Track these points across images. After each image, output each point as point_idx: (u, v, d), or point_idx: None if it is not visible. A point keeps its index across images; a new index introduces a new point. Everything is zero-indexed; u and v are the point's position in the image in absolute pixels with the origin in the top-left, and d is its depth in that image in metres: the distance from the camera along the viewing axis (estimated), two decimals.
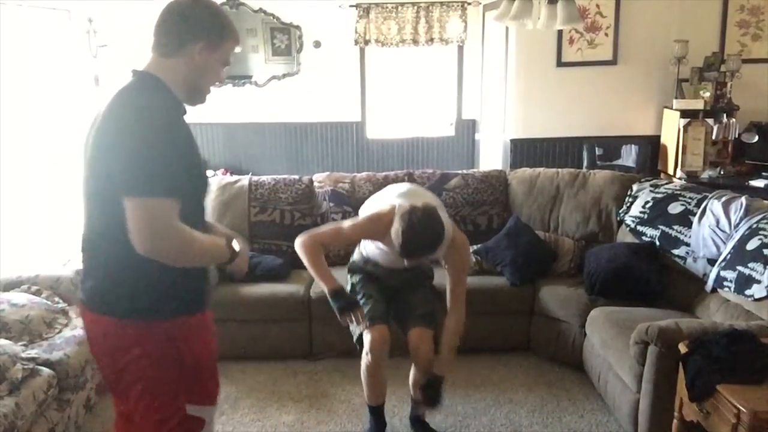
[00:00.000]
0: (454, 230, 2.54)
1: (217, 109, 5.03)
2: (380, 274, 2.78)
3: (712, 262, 3.05)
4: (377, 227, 2.52)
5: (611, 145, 4.83)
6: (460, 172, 4.14)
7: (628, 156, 4.81)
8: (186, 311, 1.73)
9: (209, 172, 4.68)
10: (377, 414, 2.81)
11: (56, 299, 3.08)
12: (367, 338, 2.60)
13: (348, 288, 2.78)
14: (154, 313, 1.65)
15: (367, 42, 5.34)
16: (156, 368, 1.67)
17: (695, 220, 3.21)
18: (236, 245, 1.77)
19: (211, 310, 1.88)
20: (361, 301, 2.67)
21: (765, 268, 2.66)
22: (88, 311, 1.69)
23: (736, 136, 4.63)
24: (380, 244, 2.61)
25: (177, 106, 1.65)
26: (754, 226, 2.88)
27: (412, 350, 2.65)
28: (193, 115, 1.63)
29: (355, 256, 2.88)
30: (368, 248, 2.75)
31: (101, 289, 1.65)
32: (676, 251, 3.27)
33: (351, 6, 5.28)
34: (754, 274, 2.72)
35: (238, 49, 1.74)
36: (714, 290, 3.00)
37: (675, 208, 3.37)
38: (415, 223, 2.31)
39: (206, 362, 1.86)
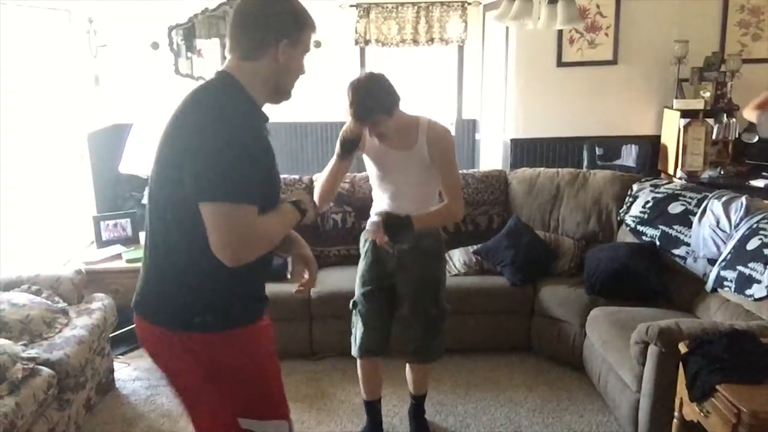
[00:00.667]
0: (431, 122, 2.53)
1: None
2: (384, 276, 2.65)
3: (712, 262, 3.05)
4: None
5: (611, 145, 4.83)
6: (460, 172, 4.14)
7: (628, 156, 4.81)
8: (240, 323, 1.60)
9: None
10: (371, 409, 2.84)
11: (56, 299, 3.08)
12: (359, 364, 2.75)
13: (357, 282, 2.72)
14: (211, 326, 1.54)
15: (367, 42, 5.33)
16: (212, 381, 1.58)
17: (695, 220, 3.21)
18: (298, 199, 1.70)
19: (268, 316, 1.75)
20: (359, 329, 2.68)
21: (765, 268, 2.66)
22: (141, 320, 1.61)
23: (737, 136, 4.63)
24: (370, 165, 2.62)
25: (257, 112, 1.57)
26: (755, 226, 2.88)
27: (408, 374, 2.82)
28: None
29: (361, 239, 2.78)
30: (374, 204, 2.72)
31: (159, 298, 1.58)
32: (676, 251, 3.27)
33: (351, 6, 5.28)
34: (754, 274, 2.72)
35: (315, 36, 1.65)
36: (714, 290, 3.00)
37: (675, 208, 3.37)
38: (360, 78, 2.44)
39: (267, 372, 1.71)
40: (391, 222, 2.45)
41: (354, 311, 2.71)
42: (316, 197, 2.55)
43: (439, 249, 2.70)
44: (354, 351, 2.72)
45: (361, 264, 2.70)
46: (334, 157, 2.52)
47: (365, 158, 2.64)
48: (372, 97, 2.38)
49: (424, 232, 2.54)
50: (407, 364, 2.80)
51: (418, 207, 2.53)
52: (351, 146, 2.48)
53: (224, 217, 1.39)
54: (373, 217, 2.63)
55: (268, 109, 1.64)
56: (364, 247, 2.71)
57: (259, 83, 1.55)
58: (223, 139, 1.40)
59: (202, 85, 1.56)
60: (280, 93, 1.61)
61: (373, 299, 2.65)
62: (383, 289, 2.65)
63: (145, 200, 1.63)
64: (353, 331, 2.73)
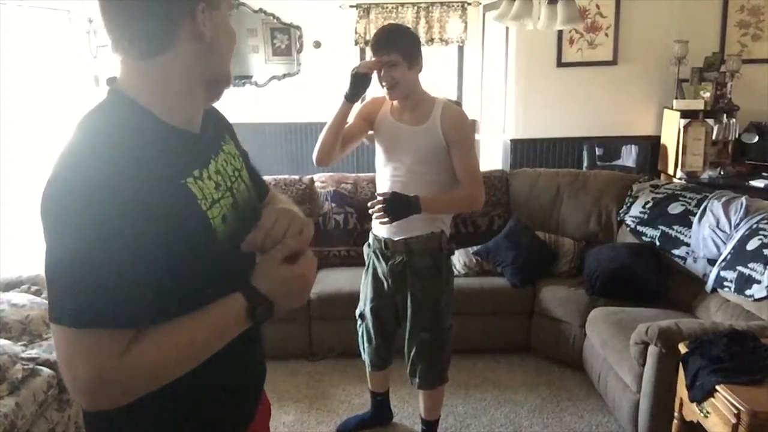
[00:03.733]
0: (447, 101, 2.42)
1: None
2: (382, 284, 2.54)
3: (712, 262, 3.05)
4: (372, 104, 2.53)
5: (611, 145, 4.83)
6: None
7: (628, 156, 4.81)
8: None
9: None
10: (375, 400, 2.89)
11: None
12: (367, 371, 2.79)
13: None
14: None
15: (367, 42, 5.33)
16: None
17: (695, 220, 3.21)
18: (261, 275, 1.01)
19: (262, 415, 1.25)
20: (365, 343, 2.67)
21: (765, 268, 2.66)
22: None
23: (737, 136, 4.63)
24: (378, 152, 2.47)
25: (165, 146, 0.97)
26: (754, 226, 2.88)
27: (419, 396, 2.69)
28: None
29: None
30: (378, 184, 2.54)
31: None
32: (676, 251, 3.27)
33: (351, 6, 5.28)
34: (754, 274, 2.72)
35: None
36: (714, 290, 3.00)
37: (675, 209, 3.37)
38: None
39: None
40: (393, 198, 2.25)
41: (360, 323, 2.66)
42: (316, 151, 2.39)
43: (436, 268, 2.42)
44: (363, 358, 2.74)
45: (363, 277, 2.62)
46: (342, 100, 2.37)
47: (374, 137, 2.49)
48: (397, 34, 2.33)
49: (417, 250, 2.38)
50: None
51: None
52: (361, 82, 2.33)
53: (68, 346, 0.89)
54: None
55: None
56: (367, 259, 2.60)
57: (180, 83, 1.00)
58: (81, 229, 0.87)
59: (82, 118, 1.00)
60: (219, 80, 1.06)
61: (375, 316, 2.58)
62: (386, 307, 2.55)
63: None
64: (360, 341, 2.70)
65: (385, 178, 2.44)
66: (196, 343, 0.96)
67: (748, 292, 2.73)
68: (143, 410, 0.97)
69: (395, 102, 2.42)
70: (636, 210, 3.59)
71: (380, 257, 2.50)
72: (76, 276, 0.87)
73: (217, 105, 1.16)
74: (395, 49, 2.28)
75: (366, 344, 2.66)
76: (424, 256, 2.40)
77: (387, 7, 5.29)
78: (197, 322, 0.96)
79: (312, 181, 4.02)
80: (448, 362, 2.59)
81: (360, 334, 2.68)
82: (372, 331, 2.60)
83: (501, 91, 5.08)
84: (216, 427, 1.11)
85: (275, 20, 5.38)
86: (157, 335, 0.92)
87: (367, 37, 5.36)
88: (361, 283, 2.66)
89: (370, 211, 2.32)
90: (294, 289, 1.03)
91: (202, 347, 0.97)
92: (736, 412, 1.96)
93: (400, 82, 2.31)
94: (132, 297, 0.89)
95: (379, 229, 2.46)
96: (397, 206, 2.25)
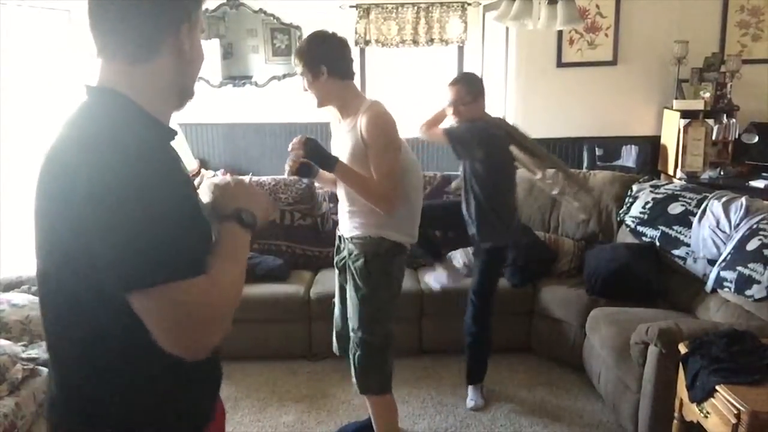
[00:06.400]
0: (373, 103, 2.38)
1: (217, 109, 5.03)
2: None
3: (712, 262, 3.05)
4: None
5: (611, 146, 4.83)
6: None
7: (628, 156, 4.81)
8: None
9: (209, 173, 4.68)
10: None
11: None
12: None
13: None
14: None
15: (367, 42, 5.33)
16: None
17: (695, 220, 3.21)
18: (238, 207, 1.17)
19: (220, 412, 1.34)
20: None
21: (765, 268, 2.66)
22: None
23: (737, 136, 4.63)
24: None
25: (161, 133, 1.13)
26: (754, 226, 2.88)
27: None
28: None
29: None
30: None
31: (71, 410, 1.15)
32: (676, 251, 3.27)
33: (351, 6, 5.28)
34: (754, 274, 2.72)
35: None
36: (714, 290, 3.00)
37: (675, 209, 3.37)
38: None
39: None
40: (316, 146, 2.34)
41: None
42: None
43: (368, 271, 2.42)
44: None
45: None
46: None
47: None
48: (303, 45, 2.36)
49: (354, 250, 2.44)
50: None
51: (351, 201, 2.43)
52: (306, 172, 2.42)
53: (170, 303, 0.98)
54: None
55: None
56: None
57: (161, 90, 1.12)
58: (136, 198, 0.97)
59: (76, 115, 1.10)
60: (187, 93, 1.19)
61: (339, 303, 2.72)
62: (342, 298, 2.68)
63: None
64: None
65: (339, 180, 2.51)
66: (233, 265, 1.11)
67: (748, 292, 2.73)
68: (126, 393, 1.09)
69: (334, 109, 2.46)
70: (636, 210, 3.59)
71: (336, 251, 2.65)
72: (158, 239, 0.97)
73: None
74: (299, 60, 2.33)
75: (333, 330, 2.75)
76: (359, 257, 2.44)
77: (387, 7, 5.29)
78: (226, 250, 1.12)
79: (312, 181, 4.02)
80: (382, 373, 2.52)
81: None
82: (335, 317, 2.74)
83: (501, 92, 5.07)
84: (181, 419, 1.18)
85: (275, 20, 5.37)
86: (215, 271, 1.05)
87: (367, 37, 5.36)
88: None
89: (291, 145, 2.39)
90: (251, 197, 1.22)
91: (237, 266, 1.12)
92: (736, 412, 1.96)
93: (312, 91, 2.36)
94: (198, 246, 1.05)
95: (341, 225, 2.57)
96: (316, 150, 2.34)
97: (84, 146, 1.02)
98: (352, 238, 2.47)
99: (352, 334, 2.51)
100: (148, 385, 1.10)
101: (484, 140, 2.87)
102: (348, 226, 2.49)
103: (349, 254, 2.48)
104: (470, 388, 3.12)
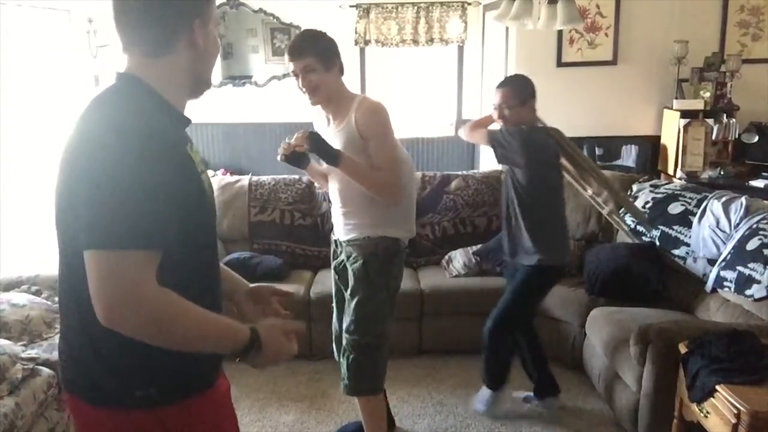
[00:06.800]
0: (364, 98, 2.40)
1: (217, 109, 5.03)
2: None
3: (712, 262, 3.05)
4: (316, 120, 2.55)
5: (611, 145, 4.83)
6: (460, 173, 4.15)
7: (628, 156, 4.81)
8: (195, 390, 1.28)
9: (209, 173, 4.68)
10: None
11: (56, 299, 3.08)
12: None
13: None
14: (158, 400, 1.22)
15: (367, 42, 5.34)
16: None
17: (695, 220, 3.21)
18: (266, 331, 1.25)
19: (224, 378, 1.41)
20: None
21: (765, 268, 2.66)
22: (78, 401, 1.29)
23: (736, 136, 4.63)
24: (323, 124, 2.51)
25: (174, 118, 1.26)
26: (754, 226, 2.88)
27: None
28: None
29: None
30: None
31: (81, 370, 1.27)
32: (676, 251, 3.27)
33: (351, 6, 5.28)
34: (754, 274, 2.72)
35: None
36: (714, 290, 3.00)
37: (675, 209, 3.37)
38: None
39: None
40: (319, 140, 2.32)
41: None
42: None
43: (365, 272, 2.42)
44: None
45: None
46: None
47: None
48: (310, 39, 2.32)
49: (352, 252, 2.43)
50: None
51: (345, 201, 2.43)
52: (297, 160, 2.39)
53: (98, 266, 1.07)
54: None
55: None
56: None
57: (178, 80, 1.26)
58: (114, 163, 1.08)
59: (100, 94, 1.25)
60: (203, 83, 1.32)
61: (336, 308, 2.71)
62: (338, 301, 2.67)
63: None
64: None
65: (330, 182, 2.50)
66: (205, 325, 1.17)
67: (748, 292, 2.73)
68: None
69: (321, 109, 2.43)
70: None
71: (333, 255, 2.65)
72: (128, 206, 1.06)
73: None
74: (310, 53, 2.28)
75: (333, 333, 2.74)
76: (358, 258, 2.43)
77: (387, 7, 5.29)
78: (214, 317, 1.20)
79: (311, 180, 4.02)
80: (374, 375, 2.52)
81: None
82: (333, 321, 2.72)
83: None
84: (205, 366, 1.30)
85: (275, 20, 5.38)
86: (187, 303, 1.13)
87: (367, 37, 5.36)
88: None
89: (295, 138, 2.35)
90: (278, 355, 1.27)
91: (206, 331, 1.18)
92: (736, 412, 1.96)
93: (320, 86, 2.31)
94: (163, 224, 1.10)
95: (335, 230, 2.55)
96: (320, 143, 2.32)
97: (104, 116, 1.17)
98: (348, 241, 2.45)
99: (345, 334, 2.50)
100: (137, 346, 1.13)
101: (526, 146, 2.70)
102: (343, 228, 2.47)
103: (348, 257, 2.47)
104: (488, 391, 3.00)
